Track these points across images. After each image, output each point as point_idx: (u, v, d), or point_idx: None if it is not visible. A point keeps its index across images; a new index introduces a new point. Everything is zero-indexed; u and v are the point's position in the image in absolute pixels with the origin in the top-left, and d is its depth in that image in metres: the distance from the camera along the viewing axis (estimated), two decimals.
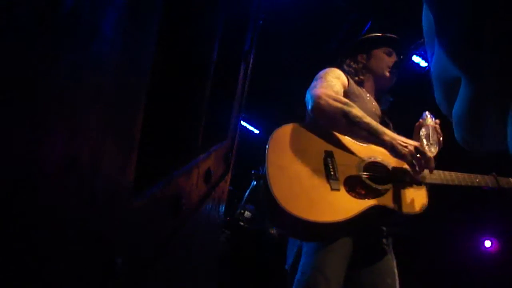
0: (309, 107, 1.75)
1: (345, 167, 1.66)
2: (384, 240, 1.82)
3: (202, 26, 0.68)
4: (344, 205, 1.52)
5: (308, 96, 1.81)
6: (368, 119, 1.72)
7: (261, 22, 1.13)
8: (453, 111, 0.38)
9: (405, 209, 1.60)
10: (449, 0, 0.31)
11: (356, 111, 1.72)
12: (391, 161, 1.75)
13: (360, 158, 1.74)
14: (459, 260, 4.59)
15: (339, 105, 1.71)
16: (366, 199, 1.58)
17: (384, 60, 2.11)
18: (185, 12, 0.66)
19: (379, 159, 1.75)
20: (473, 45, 0.31)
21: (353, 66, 2.14)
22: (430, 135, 1.74)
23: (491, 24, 0.29)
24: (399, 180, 1.70)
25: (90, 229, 0.35)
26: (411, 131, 1.96)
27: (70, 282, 0.32)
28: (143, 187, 0.46)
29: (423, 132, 1.78)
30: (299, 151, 1.68)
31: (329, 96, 1.73)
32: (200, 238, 0.83)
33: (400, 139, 1.68)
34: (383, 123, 1.98)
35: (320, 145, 1.72)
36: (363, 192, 1.61)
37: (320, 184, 1.57)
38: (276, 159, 1.61)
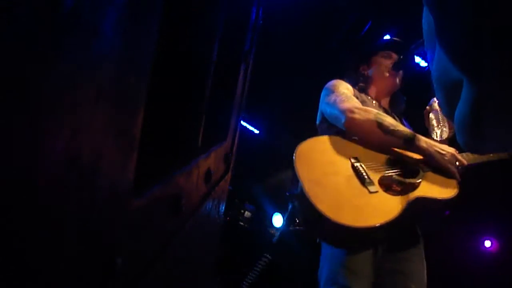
0: (342, 121, 1.78)
1: (374, 169, 1.69)
2: (414, 240, 1.83)
3: (202, 26, 0.68)
4: (388, 205, 1.54)
5: (334, 111, 1.84)
6: (401, 127, 1.75)
7: (261, 22, 1.13)
8: (455, 114, 0.38)
9: (443, 194, 1.63)
10: (449, 0, 0.31)
11: (389, 119, 1.76)
12: (414, 154, 1.78)
13: (385, 157, 1.77)
14: (459, 260, 4.58)
15: (372, 116, 1.73)
16: (406, 194, 1.60)
17: (383, 64, 2.15)
18: (185, 12, 0.66)
19: (403, 154, 1.78)
20: (474, 45, 0.30)
21: (353, 76, 2.19)
22: (440, 119, 1.76)
23: (491, 23, 0.28)
24: (426, 170, 1.73)
25: (90, 229, 0.35)
26: (413, 128, 1.97)
27: (70, 282, 0.32)
28: (143, 187, 0.46)
29: (432, 117, 1.81)
30: (327, 163, 1.69)
31: (360, 109, 1.77)
32: (200, 238, 0.83)
33: (438, 146, 1.71)
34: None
35: (344, 154, 1.74)
36: (399, 188, 1.63)
37: (358, 190, 1.58)
38: (308, 174, 1.61)
